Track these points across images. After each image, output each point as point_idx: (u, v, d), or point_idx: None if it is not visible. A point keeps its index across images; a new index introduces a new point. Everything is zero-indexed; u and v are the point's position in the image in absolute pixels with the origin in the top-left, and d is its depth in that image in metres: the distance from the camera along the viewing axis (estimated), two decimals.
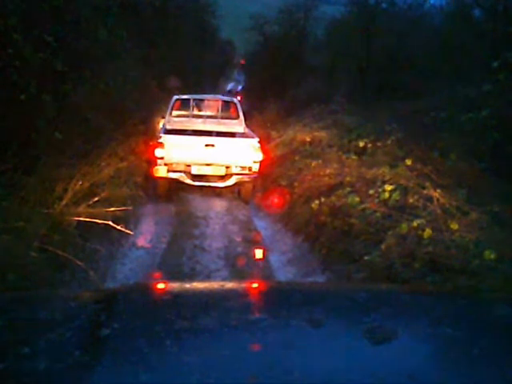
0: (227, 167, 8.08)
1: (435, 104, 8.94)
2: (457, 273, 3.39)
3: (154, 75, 14.16)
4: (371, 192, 5.65)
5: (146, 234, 6.48)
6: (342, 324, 1.14)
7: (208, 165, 8.02)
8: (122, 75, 8.33)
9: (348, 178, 6.55)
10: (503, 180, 5.62)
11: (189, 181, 8.06)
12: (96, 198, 4.98)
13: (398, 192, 5.31)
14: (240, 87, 36.13)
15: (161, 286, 1.62)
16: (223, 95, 15.13)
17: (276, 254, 5.96)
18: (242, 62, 37.55)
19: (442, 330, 1.06)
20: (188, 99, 9.78)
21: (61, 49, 5.42)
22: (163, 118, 9.88)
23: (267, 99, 19.14)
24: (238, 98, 28.34)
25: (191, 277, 5.03)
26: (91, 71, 6.30)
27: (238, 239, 6.40)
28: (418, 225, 4.35)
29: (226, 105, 9.98)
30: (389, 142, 8.03)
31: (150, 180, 8.29)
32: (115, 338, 0.96)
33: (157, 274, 5.00)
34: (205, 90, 16.41)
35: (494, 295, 1.55)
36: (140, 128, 9.52)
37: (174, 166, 7.93)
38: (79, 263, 4.20)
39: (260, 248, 5.93)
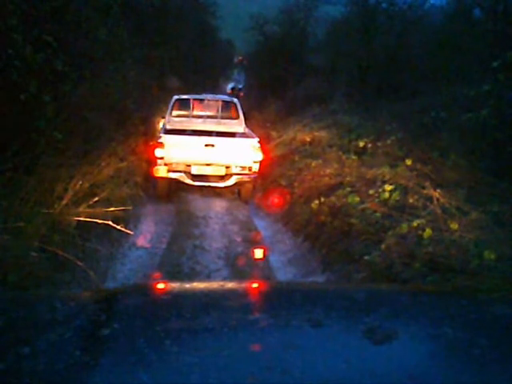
0: (227, 167, 8.08)
1: (435, 104, 8.94)
2: (457, 273, 3.38)
3: (153, 75, 14.15)
4: (371, 192, 5.65)
5: (146, 234, 6.48)
6: (342, 324, 1.13)
7: (208, 165, 8.02)
8: (121, 75, 8.32)
9: (348, 178, 6.56)
10: (503, 180, 5.61)
11: (189, 181, 8.06)
12: (96, 198, 4.98)
13: (397, 192, 5.31)
14: (240, 86, 36.22)
15: (161, 286, 1.62)
16: (224, 95, 15.14)
17: (276, 254, 5.96)
18: (240, 59, 37.54)
19: (442, 330, 1.06)
20: (188, 99, 9.79)
21: (61, 49, 5.41)
22: (163, 118, 9.89)
23: (267, 99, 19.14)
24: (241, 94, 28.36)
25: (191, 277, 5.03)
26: (91, 71, 6.30)
27: (238, 239, 6.40)
28: (418, 225, 4.35)
29: (226, 105, 9.98)
30: (389, 142, 8.04)
31: (150, 180, 8.29)
32: (115, 338, 0.96)
33: (157, 274, 5.00)
34: (205, 90, 16.43)
35: (493, 295, 1.55)
36: (140, 128, 9.52)
37: (173, 165, 7.94)
38: (79, 263, 4.20)
39: (260, 248, 5.93)
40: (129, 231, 5.38)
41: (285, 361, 0.90)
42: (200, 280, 4.90)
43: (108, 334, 0.97)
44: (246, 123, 9.79)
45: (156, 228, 6.89)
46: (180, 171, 8.00)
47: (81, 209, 4.79)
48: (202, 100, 10.11)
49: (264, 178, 8.97)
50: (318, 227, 5.91)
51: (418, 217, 4.52)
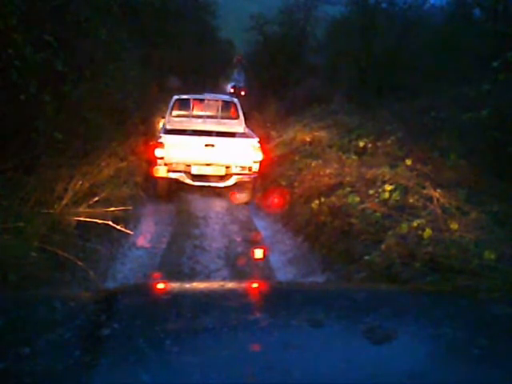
0: (227, 167, 8.08)
1: (435, 104, 8.94)
2: (457, 273, 3.38)
3: (153, 75, 14.15)
4: (371, 192, 5.65)
5: (146, 234, 6.48)
6: (342, 324, 1.14)
7: (208, 165, 8.02)
8: (121, 75, 8.32)
9: (348, 178, 6.55)
10: (503, 180, 5.61)
11: (189, 181, 8.06)
12: (96, 198, 4.98)
13: (398, 192, 5.31)
14: (240, 85, 36.38)
15: (161, 286, 1.62)
16: (224, 94, 15.15)
17: (276, 254, 5.96)
18: (239, 58, 37.48)
19: (442, 330, 1.06)
20: (188, 99, 9.79)
21: (61, 49, 5.41)
22: (163, 118, 9.89)
23: (267, 99, 19.13)
24: (242, 92, 28.38)
25: (191, 277, 5.03)
26: (91, 71, 6.30)
27: (238, 239, 6.40)
28: (418, 225, 4.35)
29: (226, 105, 9.98)
30: (389, 141, 8.04)
31: (150, 180, 8.29)
32: (115, 337, 0.96)
33: (157, 274, 5.00)
34: (205, 90, 16.47)
35: (493, 295, 1.55)
36: (140, 128, 9.52)
37: (173, 165, 7.94)
38: (79, 263, 4.20)
39: (260, 248, 5.93)
40: (129, 231, 5.38)
41: (285, 361, 0.90)
42: (200, 280, 4.90)
43: (108, 334, 0.97)
44: (246, 123, 9.79)
45: (156, 228, 6.89)
46: (180, 171, 8.00)
47: (81, 209, 4.79)
48: (201, 100, 10.10)
49: (264, 178, 8.97)
50: (318, 227, 5.91)
51: (418, 217, 4.52)
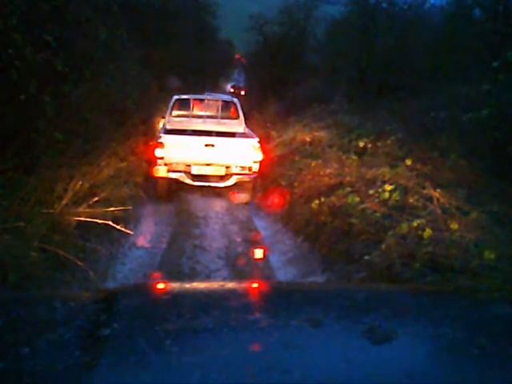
0: (227, 167, 8.09)
1: (435, 104, 8.95)
2: (457, 273, 3.38)
3: (154, 75, 14.16)
4: (371, 192, 5.65)
5: (146, 234, 6.48)
6: (342, 324, 1.14)
7: (208, 165, 8.02)
8: (121, 75, 8.32)
9: (348, 178, 6.55)
10: (503, 180, 5.61)
11: (189, 181, 8.07)
12: (96, 198, 4.98)
13: (398, 192, 5.31)
14: (240, 85, 36.46)
15: (161, 286, 1.62)
16: (225, 94, 15.16)
17: (276, 254, 5.96)
18: (239, 57, 37.54)
19: (442, 330, 1.06)
20: (188, 99, 9.79)
21: (61, 49, 5.41)
22: (163, 118, 9.89)
23: (267, 99, 19.14)
24: (243, 92, 28.45)
25: (191, 277, 5.03)
26: (91, 71, 6.30)
27: (238, 239, 6.40)
28: (418, 225, 4.35)
29: (226, 105, 9.98)
30: (389, 142, 8.04)
31: (150, 180, 8.29)
32: (115, 338, 0.96)
33: (157, 274, 5.00)
34: (205, 90, 16.53)
35: (493, 295, 1.55)
36: (140, 128, 9.52)
37: (173, 165, 7.94)
38: (79, 263, 4.20)
39: (260, 248, 5.93)
40: (129, 231, 5.38)
41: (285, 361, 0.90)
42: (200, 280, 4.90)
43: (108, 334, 0.97)
44: (246, 123, 9.79)
45: (156, 228, 6.89)
46: (180, 171, 8.00)
47: (81, 209, 4.79)
48: (201, 100, 10.11)
49: (264, 178, 8.97)
50: (318, 227, 5.91)
51: (418, 217, 4.51)
